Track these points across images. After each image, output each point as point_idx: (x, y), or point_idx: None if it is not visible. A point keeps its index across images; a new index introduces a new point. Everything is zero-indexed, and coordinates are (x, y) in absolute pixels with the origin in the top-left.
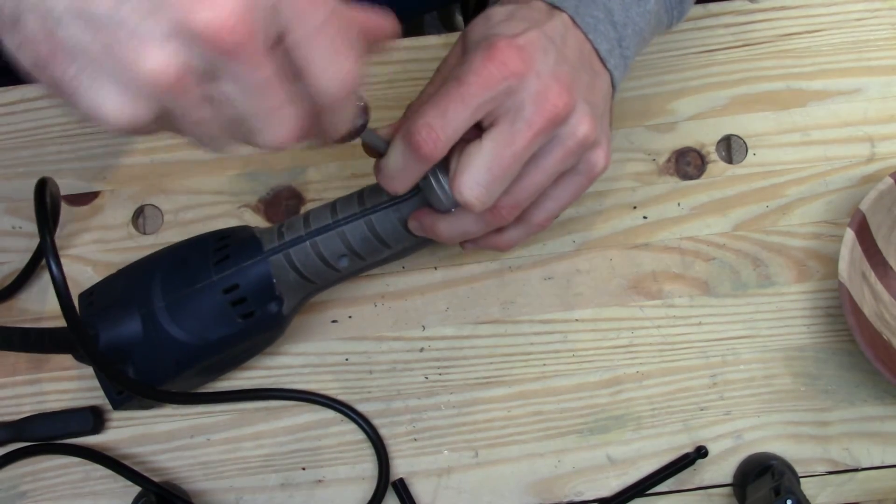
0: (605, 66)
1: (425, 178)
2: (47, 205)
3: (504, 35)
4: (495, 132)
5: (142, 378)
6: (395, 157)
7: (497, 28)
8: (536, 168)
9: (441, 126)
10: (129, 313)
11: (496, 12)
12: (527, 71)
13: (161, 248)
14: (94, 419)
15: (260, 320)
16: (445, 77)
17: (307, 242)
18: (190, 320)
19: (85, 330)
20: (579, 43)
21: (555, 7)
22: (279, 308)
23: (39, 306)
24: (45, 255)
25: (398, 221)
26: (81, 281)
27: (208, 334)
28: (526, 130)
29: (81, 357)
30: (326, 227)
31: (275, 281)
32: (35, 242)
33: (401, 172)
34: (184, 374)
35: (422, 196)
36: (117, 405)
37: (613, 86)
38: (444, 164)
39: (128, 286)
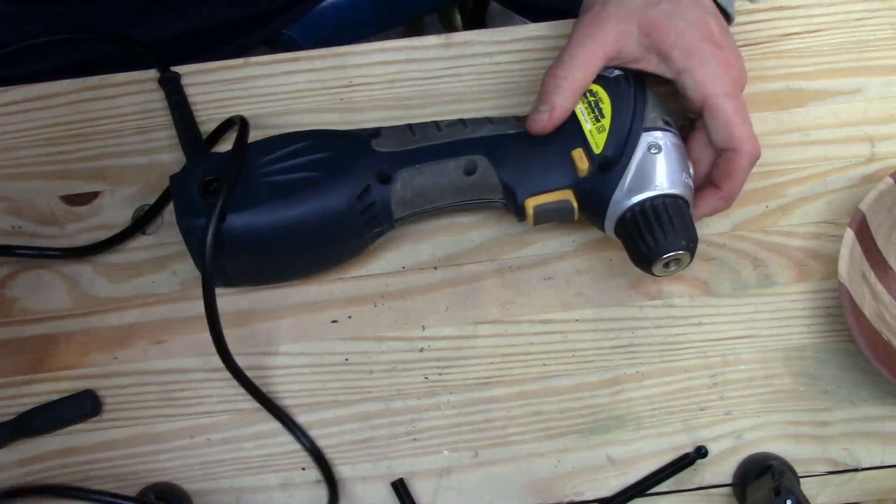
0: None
1: None
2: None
3: (729, 94)
4: None
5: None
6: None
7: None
8: None
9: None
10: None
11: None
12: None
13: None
14: (90, 402)
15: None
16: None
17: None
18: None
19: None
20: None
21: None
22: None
23: (41, 305)
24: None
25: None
26: (81, 281)
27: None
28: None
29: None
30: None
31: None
32: (34, 243)
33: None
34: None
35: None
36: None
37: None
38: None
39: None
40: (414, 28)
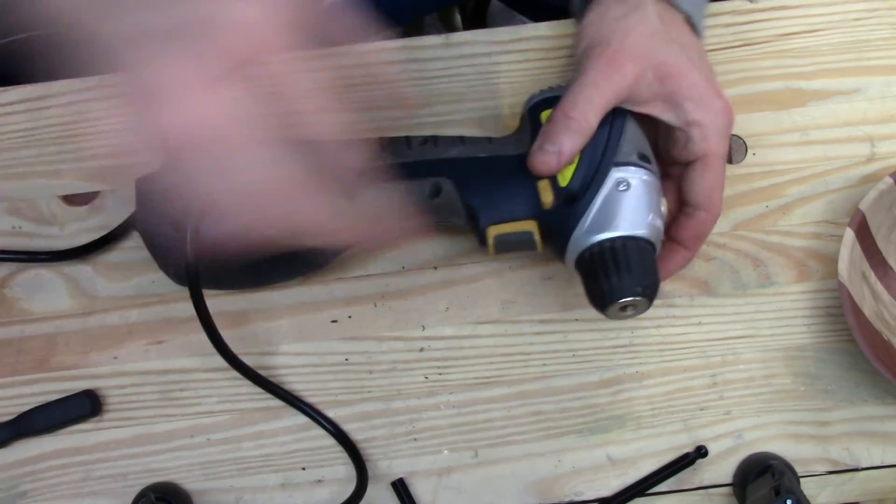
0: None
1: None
2: None
3: (723, 156)
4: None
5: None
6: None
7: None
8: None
9: None
10: None
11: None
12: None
13: None
14: (91, 402)
15: None
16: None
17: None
18: None
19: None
20: (694, 40)
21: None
22: None
23: (41, 305)
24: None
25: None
26: (81, 281)
27: None
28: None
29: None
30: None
31: None
32: (34, 243)
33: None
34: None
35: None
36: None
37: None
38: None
39: None
40: (414, 28)
